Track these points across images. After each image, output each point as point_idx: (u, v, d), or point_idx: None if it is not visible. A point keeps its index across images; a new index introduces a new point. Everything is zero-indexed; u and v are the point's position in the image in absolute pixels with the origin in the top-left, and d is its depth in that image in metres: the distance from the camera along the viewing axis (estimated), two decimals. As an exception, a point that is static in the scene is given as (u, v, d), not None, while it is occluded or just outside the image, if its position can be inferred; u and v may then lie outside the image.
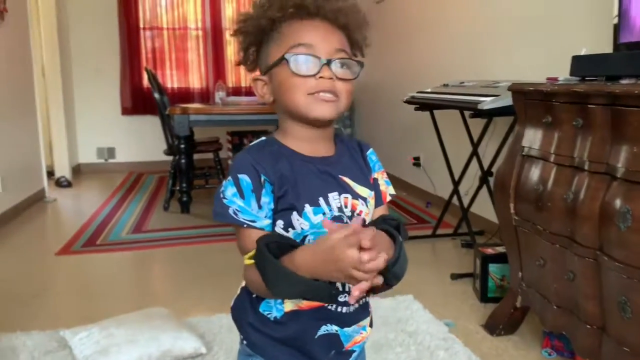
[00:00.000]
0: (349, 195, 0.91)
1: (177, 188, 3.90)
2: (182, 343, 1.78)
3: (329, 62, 0.87)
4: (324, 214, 0.88)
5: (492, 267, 2.23)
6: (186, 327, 1.90)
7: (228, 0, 5.84)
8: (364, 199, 0.94)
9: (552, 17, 2.58)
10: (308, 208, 0.87)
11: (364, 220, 0.93)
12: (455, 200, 3.07)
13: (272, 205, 0.86)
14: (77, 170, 5.57)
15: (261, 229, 0.86)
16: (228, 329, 1.96)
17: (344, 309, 0.92)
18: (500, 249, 2.23)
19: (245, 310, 0.96)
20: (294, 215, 0.86)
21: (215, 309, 2.16)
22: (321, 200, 0.88)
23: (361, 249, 0.74)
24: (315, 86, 0.87)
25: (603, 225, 1.38)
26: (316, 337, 0.91)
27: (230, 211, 0.86)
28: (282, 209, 0.86)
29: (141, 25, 5.68)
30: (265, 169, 0.86)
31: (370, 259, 0.74)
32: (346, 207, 0.90)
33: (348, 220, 0.90)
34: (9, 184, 3.66)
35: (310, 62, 0.87)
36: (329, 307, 0.91)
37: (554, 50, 2.56)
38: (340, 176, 0.92)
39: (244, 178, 0.85)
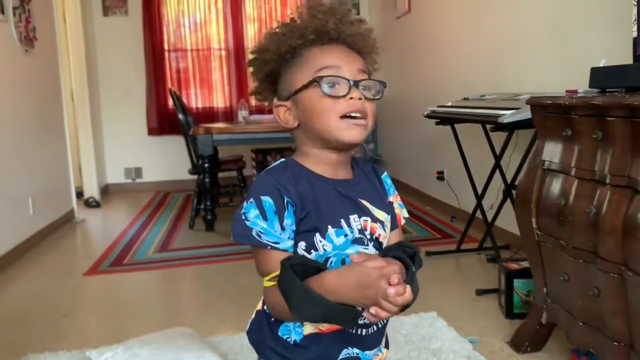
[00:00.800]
0: (368, 219, 0.92)
1: (202, 206, 3.94)
2: (205, 363, 1.79)
3: (356, 84, 0.88)
4: (345, 235, 0.89)
5: (517, 283, 2.19)
6: (209, 346, 1.91)
7: (250, 21, 5.94)
8: (382, 223, 0.95)
9: (571, 29, 2.55)
10: (330, 230, 0.87)
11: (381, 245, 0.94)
12: (479, 214, 3.04)
13: (294, 227, 0.87)
14: (106, 190, 5.68)
15: (284, 250, 0.86)
16: (249, 349, 1.95)
17: (364, 332, 0.92)
18: (525, 264, 2.19)
19: (263, 334, 0.95)
20: (317, 237, 0.87)
21: (238, 328, 2.17)
22: (343, 222, 0.89)
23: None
24: (347, 107, 0.88)
25: (626, 239, 1.36)
26: None
27: (254, 233, 0.86)
28: (305, 231, 0.87)
29: (166, 48, 5.80)
30: (288, 190, 0.86)
31: (397, 293, 0.76)
32: (366, 229, 0.91)
33: (369, 244, 0.91)
34: (40, 205, 3.75)
35: (341, 82, 0.88)
36: (350, 329, 0.91)
37: (574, 62, 2.53)
38: (359, 199, 0.93)
39: (267, 200, 0.86)
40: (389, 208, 0.99)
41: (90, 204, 5.04)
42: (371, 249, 0.92)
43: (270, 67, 0.94)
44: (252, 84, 0.99)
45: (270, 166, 0.93)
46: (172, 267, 3.13)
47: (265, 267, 0.88)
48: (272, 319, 0.93)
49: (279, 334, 0.92)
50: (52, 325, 2.32)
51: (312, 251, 0.87)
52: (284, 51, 0.92)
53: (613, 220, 1.40)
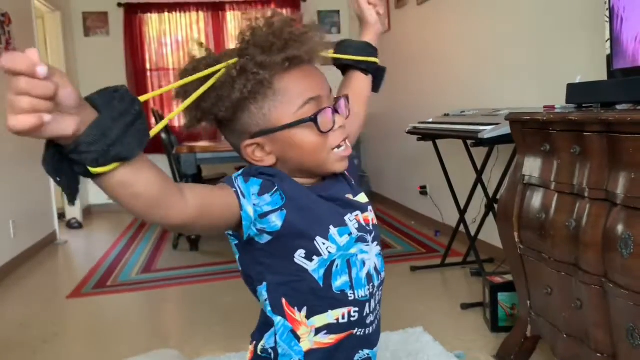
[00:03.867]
0: (358, 212, 0.89)
1: (186, 226, 3.91)
2: (192, 385, 1.78)
3: (337, 110, 0.84)
4: (350, 234, 0.85)
5: (502, 296, 2.21)
6: (195, 368, 1.90)
7: (232, 40, 5.96)
8: (366, 204, 0.92)
9: (548, 46, 2.61)
10: (333, 229, 0.83)
11: None
12: (462, 228, 3.06)
13: (269, 208, 0.79)
14: (88, 211, 5.62)
15: (240, 205, 0.77)
16: (237, 369, 1.95)
17: (370, 330, 0.89)
18: (509, 277, 2.21)
19: None
20: (318, 240, 0.81)
21: (224, 349, 2.16)
22: (344, 220, 0.85)
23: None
24: (338, 138, 0.84)
25: (606, 252, 1.38)
26: None
27: (234, 180, 0.80)
28: (300, 237, 0.81)
29: (148, 67, 5.80)
30: (282, 181, 0.81)
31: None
32: (363, 224, 0.89)
33: (369, 238, 0.89)
34: (21, 228, 3.70)
35: (328, 114, 0.82)
36: (358, 332, 0.87)
37: (551, 78, 2.59)
38: (345, 196, 0.90)
39: (256, 180, 0.80)
40: (358, 184, 0.96)
41: (73, 225, 4.98)
42: (372, 247, 0.90)
43: (227, 103, 0.80)
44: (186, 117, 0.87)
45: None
46: (156, 288, 3.10)
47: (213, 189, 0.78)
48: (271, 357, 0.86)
49: None
50: (33, 351, 2.28)
51: (314, 257, 0.81)
52: (249, 87, 0.79)
53: (593, 233, 1.42)
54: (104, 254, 3.90)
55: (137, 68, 5.73)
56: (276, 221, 0.79)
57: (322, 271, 0.82)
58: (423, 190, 4.20)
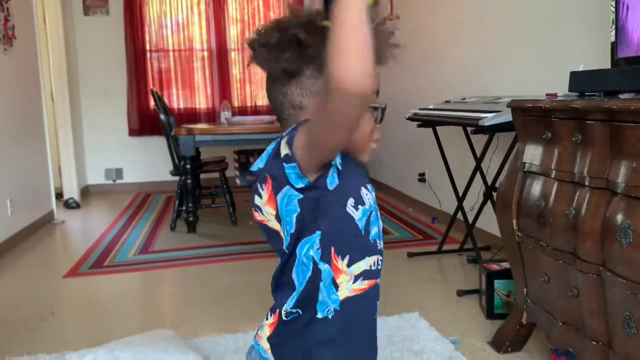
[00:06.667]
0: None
1: (184, 208, 3.92)
2: (188, 365, 1.78)
3: (385, 110, 0.98)
4: (374, 192, 0.96)
5: (498, 284, 2.22)
6: (192, 348, 1.90)
7: (233, 22, 5.92)
8: None
9: (551, 33, 2.60)
10: (368, 186, 0.94)
11: None
12: (460, 215, 3.07)
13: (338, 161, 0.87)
14: (86, 191, 5.61)
15: None
16: (234, 351, 1.96)
17: (379, 281, 0.96)
18: (506, 265, 2.22)
19: (302, 335, 0.91)
20: (363, 191, 0.91)
21: (221, 330, 2.17)
22: (367, 185, 0.94)
23: None
24: (377, 135, 0.97)
25: (605, 241, 1.38)
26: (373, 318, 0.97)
27: None
28: (354, 182, 0.90)
29: (148, 48, 5.75)
30: None
31: None
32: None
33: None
34: (18, 206, 3.70)
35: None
36: (379, 282, 0.95)
37: (554, 66, 2.58)
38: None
39: None
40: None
41: (70, 205, 4.97)
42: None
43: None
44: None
45: None
46: (153, 269, 3.10)
47: None
48: (299, 318, 0.91)
49: (319, 315, 0.90)
50: (31, 328, 2.28)
51: (359, 206, 0.90)
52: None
53: (592, 221, 1.42)
54: (101, 234, 3.90)
55: (136, 48, 5.68)
56: (339, 161, 0.87)
57: (364, 220, 0.91)
58: (421, 178, 4.20)
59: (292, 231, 0.90)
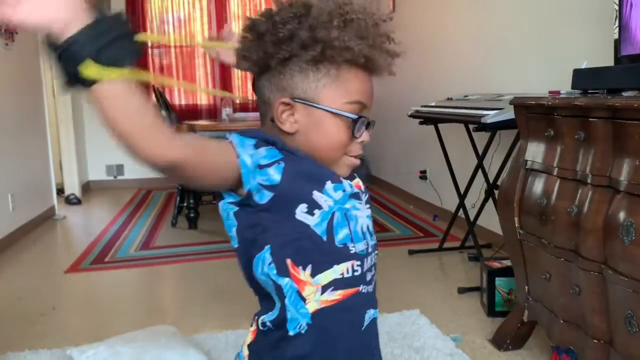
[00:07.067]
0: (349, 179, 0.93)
1: (185, 204, 3.92)
2: (188, 361, 1.78)
3: (372, 125, 0.91)
4: (344, 190, 0.87)
5: (499, 281, 2.22)
6: (192, 344, 1.90)
7: (235, 18, 5.91)
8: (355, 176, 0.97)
9: (554, 30, 2.59)
10: (329, 185, 0.85)
11: None
12: (461, 213, 3.06)
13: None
14: (87, 187, 5.61)
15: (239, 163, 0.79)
16: (234, 347, 1.96)
17: (370, 288, 0.91)
18: (507, 263, 2.22)
19: (276, 349, 0.88)
20: (316, 194, 0.83)
21: (222, 326, 2.17)
22: (339, 178, 0.88)
23: None
24: (357, 150, 0.90)
25: (607, 238, 1.38)
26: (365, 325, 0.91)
27: (229, 137, 0.82)
28: (300, 191, 0.82)
29: (149, 44, 5.75)
30: (281, 143, 0.83)
31: None
32: (357, 188, 0.92)
33: (363, 196, 0.93)
34: (20, 202, 3.70)
35: (364, 126, 0.89)
36: (363, 289, 0.89)
37: (557, 63, 2.57)
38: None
39: (250, 138, 0.82)
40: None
41: (71, 201, 4.97)
42: (364, 207, 0.92)
43: (294, 48, 0.82)
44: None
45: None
46: (154, 265, 3.10)
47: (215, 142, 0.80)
48: (273, 332, 0.87)
49: (290, 333, 0.85)
50: (32, 324, 2.28)
51: (316, 211, 0.82)
52: (325, 52, 0.82)
53: (594, 219, 1.42)
54: (102, 230, 3.90)
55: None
56: (274, 174, 0.80)
57: (324, 224, 0.83)
58: (423, 175, 4.19)
59: (237, 246, 0.86)
